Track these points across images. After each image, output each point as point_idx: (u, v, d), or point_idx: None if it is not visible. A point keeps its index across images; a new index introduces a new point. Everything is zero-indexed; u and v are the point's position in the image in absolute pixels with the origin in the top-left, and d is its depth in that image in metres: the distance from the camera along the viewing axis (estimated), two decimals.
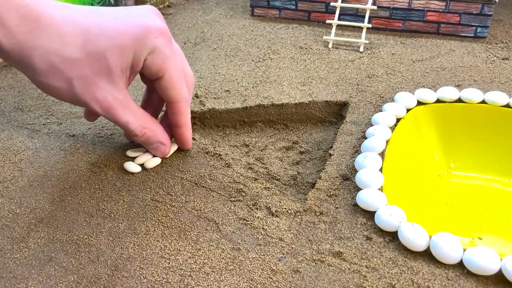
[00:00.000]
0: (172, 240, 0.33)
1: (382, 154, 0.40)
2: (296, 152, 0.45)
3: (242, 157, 0.43)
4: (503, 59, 0.56)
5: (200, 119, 0.48)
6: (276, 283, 0.30)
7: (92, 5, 0.66)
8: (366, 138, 0.42)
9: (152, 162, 0.40)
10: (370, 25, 0.61)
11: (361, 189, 0.36)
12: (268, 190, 0.38)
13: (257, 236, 0.34)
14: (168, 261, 0.32)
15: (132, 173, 0.40)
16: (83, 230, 0.34)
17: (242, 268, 0.31)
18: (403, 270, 0.31)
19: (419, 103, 0.46)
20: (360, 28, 0.64)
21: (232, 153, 0.44)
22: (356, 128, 0.44)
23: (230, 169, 0.40)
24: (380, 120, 0.43)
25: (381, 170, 0.38)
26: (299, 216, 0.35)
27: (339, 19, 0.64)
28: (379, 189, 0.36)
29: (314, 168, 0.42)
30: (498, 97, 0.44)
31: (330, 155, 0.41)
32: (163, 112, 0.44)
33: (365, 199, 0.35)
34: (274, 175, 0.42)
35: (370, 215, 0.35)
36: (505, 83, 0.50)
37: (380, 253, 0.32)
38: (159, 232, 0.34)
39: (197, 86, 0.52)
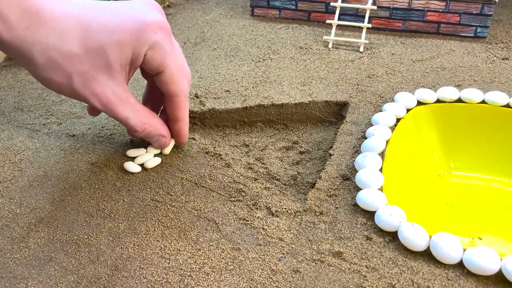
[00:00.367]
0: (172, 240, 0.33)
1: (382, 154, 0.40)
2: (296, 152, 0.45)
3: (242, 157, 0.43)
4: (503, 59, 0.56)
5: (200, 119, 0.48)
6: (276, 283, 0.30)
7: None
8: (366, 138, 0.42)
9: (152, 162, 0.40)
10: (370, 25, 0.61)
11: (361, 189, 0.36)
12: (268, 190, 0.38)
13: (257, 236, 0.34)
14: (168, 261, 0.32)
15: (132, 173, 0.40)
16: (83, 230, 0.34)
17: (242, 268, 0.31)
18: (403, 270, 0.31)
19: (419, 103, 0.46)
20: (360, 28, 0.64)
21: (232, 153, 0.44)
22: (356, 128, 0.44)
23: (230, 169, 0.40)
24: (380, 120, 0.43)
25: (381, 170, 0.38)
26: (299, 216, 0.35)
27: (339, 19, 0.64)
28: (379, 189, 0.36)
29: (314, 168, 0.43)
30: (498, 97, 0.44)
31: (330, 155, 0.41)
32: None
33: (365, 199, 0.35)
34: (274, 175, 0.42)
35: (370, 215, 0.35)
36: (505, 83, 0.50)
37: (380, 253, 0.32)
38: (159, 232, 0.34)
39: (197, 86, 0.52)
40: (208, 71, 0.56)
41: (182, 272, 0.31)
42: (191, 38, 0.66)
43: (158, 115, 0.42)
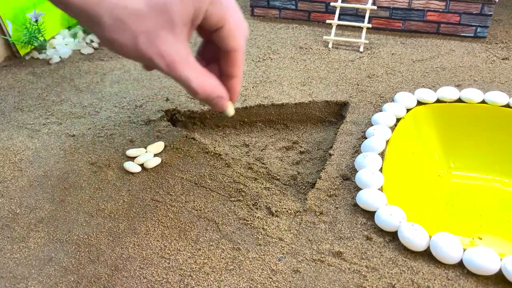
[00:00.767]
0: (172, 240, 0.33)
1: (382, 154, 0.40)
2: (296, 152, 0.45)
3: (242, 157, 0.43)
4: (503, 59, 0.56)
5: (200, 119, 0.48)
6: (276, 283, 0.30)
7: None
8: (366, 138, 0.42)
9: (152, 162, 0.40)
10: (370, 25, 0.61)
11: (361, 189, 0.36)
12: (268, 190, 0.38)
13: (257, 236, 0.34)
14: (168, 261, 0.32)
15: (132, 173, 0.40)
16: (83, 230, 0.34)
17: (242, 268, 0.31)
18: (403, 270, 0.31)
19: (419, 103, 0.46)
20: (360, 28, 0.64)
21: (232, 153, 0.44)
22: (356, 128, 0.44)
23: (230, 169, 0.40)
24: (380, 120, 0.43)
25: (381, 170, 0.38)
26: (299, 216, 0.35)
27: (339, 19, 0.64)
28: (379, 189, 0.36)
29: (314, 168, 0.42)
30: (498, 97, 0.44)
31: (330, 155, 0.41)
32: None
33: (365, 199, 0.35)
34: (274, 175, 0.42)
35: (370, 215, 0.35)
36: (505, 83, 0.50)
37: (380, 253, 0.32)
38: (159, 232, 0.34)
39: None
40: None
41: (182, 272, 0.31)
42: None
43: None
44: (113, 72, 0.57)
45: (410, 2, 0.62)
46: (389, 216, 0.33)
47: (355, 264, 0.31)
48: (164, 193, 0.38)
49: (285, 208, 0.36)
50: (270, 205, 0.36)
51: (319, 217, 0.35)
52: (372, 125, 0.43)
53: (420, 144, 0.45)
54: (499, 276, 0.30)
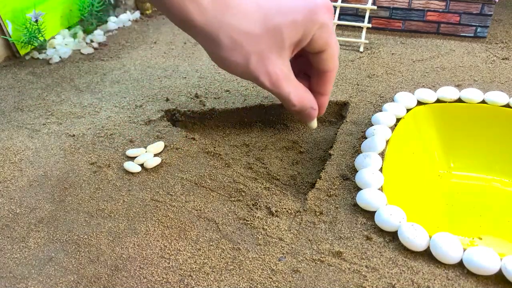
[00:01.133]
0: (172, 240, 0.33)
1: (382, 154, 0.40)
2: (296, 152, 0.45)
3: (242, 157, 0.43)
4: (503, 59, 0.56)
5: (200, 119, 0.48)
6: (276, 283, 0.30)
7: (93, 5, 0.66)
8: (366, 138, 0.42)
9: (152, 162, 0.40)
10: (370, 25, 0.61)
11: (361, 189, 0.36)
12: (268, 190, 0.38)
13: (257, 236, 0.34)
14: (168, 261, 0.32)
15: (132, 173, 0.40)
16: (83, 230, 0.34)
17: (242, 268, 0.31)
18: (403, 270, 0.31)
19: (419, 103, 0.46)
20: (360, 28, 0.64)
21: (232, 153, 0.44)
22: (356, 128, 0.44)
23: (230, 169, 0.40)
24: (380, 120, 0.43)
25: (381, 170, 0.38)
26: (299, 216, 0.35)
27: (339, 19, 0.64)
28: (379, 189, 0.36)
29: (314, 168, 0.42)
30: (498, 97, 0.44)
31: (330, 155, 0.41)
32: None
33: (365, 199, 0.35)
34: (274, 175, 0.42)
35: (370, 215, 0.35)
36: (505, 83, 0.50)
37: (380, 253, 0.32)
38: (159, 232, 0.34)
39: (197, 86, 0.52)
40: (208, 71, 0.56)
41: (182, 272, 0.31)
42: (191, 38, 0.66)
43: None
44: (113, 72, 0.57)
45: (410, 2, 0.62)
46: (389, 216, 0.33)
47: (355, 264, 0.31)
48: (164, 193, 0.38)
49: (285, 208, 0.36)
50: (270, 205, 0.36)
51: (319, 217, 0.35)
52: (372, 125, 0.43)
53: (420, 144, 0.45)
54: (499, 276, 0.30)
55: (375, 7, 0.61)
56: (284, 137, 0.47)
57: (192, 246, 0.33)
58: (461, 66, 0.54)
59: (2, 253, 0.33)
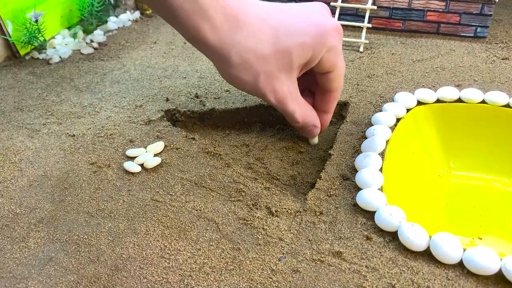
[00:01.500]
0: (172, 240, 0.33)
1: (382, 154, 0.40)
2: (296, 152, 0.45)
3: (242, 157, 0.43)
4: (503, 59, 0.56)
5: (200, 119, 0.48)
6: (276, 283, 0.30)
7: (93, 5, 0.66)
8: (366, 138, 0.42)
9: (152, 162, 0.40)
10: (370, 25, 0.61)
11: (361, 189, 0.36)
12: (268, 190, 0.38)
13: (257, 236, 0.34)
14: (168, 261, 0.32)
15: (132, 173, 0.40)
16: (83, 230, 0.34)
17: (242, 268, 0.31)
18: (403, 270, 0.31)
19: (419, 103, 0.46)
20: (360, 28, 0.64)
21: (232, 153, 0.44)
22: (356, 128, 0.44)
23: (230, 169, 0.40)
24: (380, 120, 0.43)
25: (381, 170, 0.38)
26: (299, 216, 0.35)
27: (339, 19, 0.64)
28: (379, 189, 0.36)
29: (314, 168, 0.42)
30: (498, 97, 0.44)
31: (330, 155, 0.41)
32: None
33: (365, 199, 0.35)
34: (274, 175, 0.42)
35: (370, 215, 0.35)
36: (505, 83, 0.50)
37: (380, 253, 0.32)
38: (159, 232, 0.34)
39: (197, 86, 0.52)
40: (208, 71, 0.56)
41: (182, 272, 0.31)
42: None
43: None
44: (113, 72, 0.57)
45: (410, 2, 0.62)
46: (389, 216, 0.33)
47: (355, 264, 0.31)
48: (164, 193, 0.38)
49: (285, 208, 0.36)
50: (270, 205, 0.36)
51: (319, 217, 0.35)
52: (372, 125, 0.43)
53: (420, 144, 0.45)
54: (499, 276, 0.30)
55: (375, 7, 0.61)
56: (284, 137, 0.47)
57: (192, 246, 0.33)
58: (461, 66, 0.54)
59: (2, 253, 0.33)
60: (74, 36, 0.65)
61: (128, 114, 0.48)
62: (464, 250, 0.30)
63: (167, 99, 0.50)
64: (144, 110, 0.48)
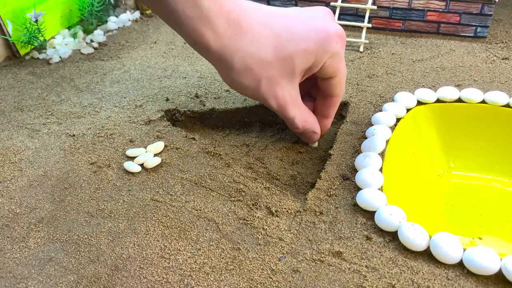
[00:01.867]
0: (172, 240, 0.33)
1: (382, 154, 0.40)
2: (296, 152, 0.45)
3: (242, 157, 0.43)
4: (503, 59, 0.56)
5: (200, 119, 0.48)
6: (276, 283, 0.30)
7: (93, 5, 0.66)
8: (366, 138, 0.42)
9: (152, 162, 0.40)
10: (370, 25, 0.61)
11: (361, 189, 0.36)
12: (268, 190, 0.38)
13: (257, 236, 0.34)
14: (168, 261, 0.32)
15: (132, 173, 0.40)
16: (83, 230, 0.34)
17: (242, 268, 0.31)
18: (403, 270, 0.31)
19: (419, 103, 0.46)
20: (360, 28, 0.64)
21: (232, 153, 0.44)
22: (356, 128, 0.44)
23: (230, 169, 0.40)
24: (380, 120, 0.43)
25: (381, 170, 0.38)
26: (299, 216, 0.35)
27: (339, 19, 0.64)
28: (379, 189, 0.36)
29: (314, 168, 0.42)
30: (498, 97, 0.44)
31: (330, 155, 0.41)
32: None
33: (365, 199, 0.35)
34: (274, 175, 0.42)
35: (370, 215, 0.35)
36: (505, 83, 0.50)
37: (380, 253, 0.32)
38: (159, 232, 0.34)
39: (197, 86, 0.52)
40: (208, 71, 0.56)
41: (182, 272, 0.31)
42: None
43: None
44: (113, 72, 0.57)
45: (410, 2, 0.62)
46: (389, 216, 0.33)
47: (355, 264, 0.31)
48: (164, 193, 0.38)
49: (285, 208, 0.36)
50: (270, 205, 0.36)
51: (319, 217, 0.35)
52: (372, 125, 0.43)
53: (420, 144, 0.45)
54: (499, 276, 0.30)
55: (375, 7, 0.61)
56: (284, 137, 0.47)
57: (192, 246, 0.33)
58: (461, 66, 0.54)
59: (2, 253, 0.33)
60: (74, 36, 0.65)
61: (128, 114, 0.48)
62: (464, 250, 0.30)
63: (167, 99, 0.50)
64: (144, 110, 0.48)
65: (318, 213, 0.35)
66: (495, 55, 0.57)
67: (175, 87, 0.52)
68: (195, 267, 0.31)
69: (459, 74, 0.52)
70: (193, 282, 0.30)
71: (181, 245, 0.33)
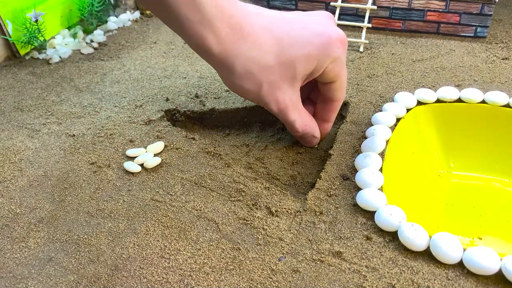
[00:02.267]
0: (172, 240, 0.33)
1: (382, 154, 0.40)
2: (296, 152, 0.45)
3: (242, 157, 0.43)
4: (503, 59, 0.56)
5: (200, 119, 0.48)
6: (276, 283, 0.30)
7: (93, 5, 0.66)
8: (366, 138, 0.42)
9: (152, 162, 0.40)
10: (370, 25, 0.61)
11: (361, 189, 0.36)
12: (268, 190, 0.38)
13: (257, 236, 0.34)
14: (168, 261, 0.32)
15: (132, 173, 0.40)
16: (83, 230, 0.34)
17: (242, 268, 0.31)
18: (403, 270, 0.31)
19: (419, 103, 0.46)
20: (360, 28, 0.64)
21: (232, 153, 0.44)
22: (356, 128, 0.44)
23: (230, 169, 0.40)
24: (380, 120, 0.43)
25: (381, 170, 0.38)
26: (299, 216, 0.35)
27: (339, 19, 0.64)
28: (379, 189, 0.36)
29: (314, 168, 0.42)
30: (498, 97, 0.44)
31: (330, 155, 0.41)
32: None
33: (365, 198, 0.35)
34: (274, 175, 0.42)
35: (370, 215, 0.35)
36: (505, 83, 0.50)
37: (380, 253, 0.32)
38: (159, 232, 0.34)
39: (197, 86, 0.52)
40: (208, 71, 0.56)
41: (182, 272, 0.31)
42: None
43: None
44: (113, 72, 0.57)
45: (410, 2, 0.62)
46: (389, 216, 0.33)
47: (355, 264, 0.31)
48: (164, 193, 0.38)
49: (285, 208, 0.36)
50: (270, 205, 0.36)
51: (319, 217, 0.35)
52: (372, 125, 0.43)
53: (420, 144, 0.45)
54: (499, 276, 0.30)
55: (375, 7, 0.61)
56: (284, 137, 0.47)
57: (192, 246, 0.33)
58: (461, 66, 0.54)
59: (2, 253, 0.33)
60: (74, 36, 0.65)
61: (128, 114, 0.48)
62: (464, 250, 0.30)
63: (167, 99, 0.50)
64: (144, 110, 0.48)
65: (318, 213, 0.35)
66: (495, 55, 0.57)
67: (175, 87, 0.52)
68: (195, 267, 0.31)
69: (459, 74, 0.52)
70: (193, 282, 0.30)
71: (181, 245, 0.33)
